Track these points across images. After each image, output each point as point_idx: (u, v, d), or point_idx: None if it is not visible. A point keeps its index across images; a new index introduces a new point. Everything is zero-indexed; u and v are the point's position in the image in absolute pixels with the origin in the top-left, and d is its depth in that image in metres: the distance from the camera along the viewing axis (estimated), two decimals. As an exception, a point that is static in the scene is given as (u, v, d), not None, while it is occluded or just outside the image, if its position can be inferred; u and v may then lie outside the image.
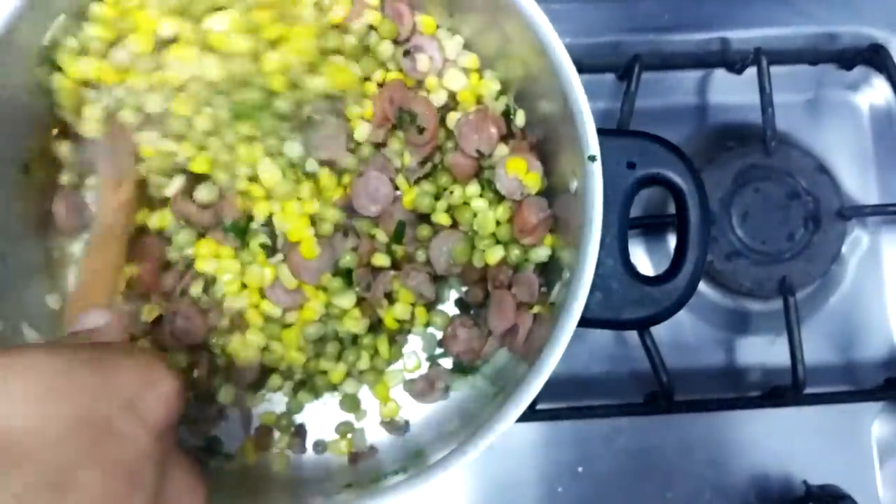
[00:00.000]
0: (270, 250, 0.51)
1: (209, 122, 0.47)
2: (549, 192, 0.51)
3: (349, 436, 0.54)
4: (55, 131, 0.51)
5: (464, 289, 0.55)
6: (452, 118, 0.52)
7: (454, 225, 0.52)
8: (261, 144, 0.49)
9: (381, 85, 0.53)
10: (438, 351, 0.55)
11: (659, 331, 0.56)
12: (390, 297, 0.52)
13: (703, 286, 0.64)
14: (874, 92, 0.67)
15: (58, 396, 0.30)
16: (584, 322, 0.43)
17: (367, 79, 0.53)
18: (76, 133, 0.50)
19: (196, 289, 0.51)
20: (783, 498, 0.61)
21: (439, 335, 0.54)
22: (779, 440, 0.62)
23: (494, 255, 0.51)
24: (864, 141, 0.66)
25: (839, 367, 0.64)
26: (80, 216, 0.53)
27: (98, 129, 0.48)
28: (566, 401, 0.60)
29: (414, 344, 0.56)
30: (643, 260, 0.64)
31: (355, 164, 0.52)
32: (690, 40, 0.66)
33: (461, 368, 0.54)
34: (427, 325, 0.54)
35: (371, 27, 0.53)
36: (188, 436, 0.53)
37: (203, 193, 0.50)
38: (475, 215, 0.51)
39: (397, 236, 0.52)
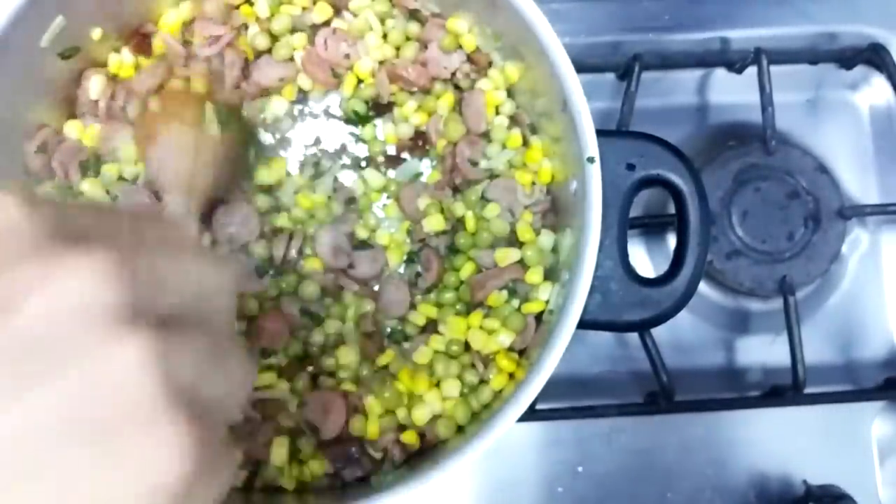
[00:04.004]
0: None
1: None
2: (549, 193, 0.52)
3: None
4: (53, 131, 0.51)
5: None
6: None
7: None
8: None
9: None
10: None
11: (659, 331, 0.55)
12: None
13: (703, 286, 0.64)
14: (874, 92, 0.67)
15: None
16: (584, 324, 0.43)
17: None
18: None
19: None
20: (783, 498, 0.61)
21: None
22: (779, 440, 0.62)
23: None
24: (864, 141, 0.66)
25: (839, 366, 0.64)
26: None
27: None
28: (566, 401, 0.60)
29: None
30: (643, 260, 0.64)
31: None
32: (690, 40, 0.65)
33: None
34: None
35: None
36: None
37: None
38: None
39: None
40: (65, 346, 0.23)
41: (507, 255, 0.50)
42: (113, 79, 0.52)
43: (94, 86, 0.51)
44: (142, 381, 0.24)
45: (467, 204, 0.52)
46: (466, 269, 0.51)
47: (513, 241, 0.52)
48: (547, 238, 0.51)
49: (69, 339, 0.23)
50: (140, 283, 0.25)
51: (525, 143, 0.53)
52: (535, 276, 0.50)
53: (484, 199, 0.52)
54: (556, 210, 0.52)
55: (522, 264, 0.51)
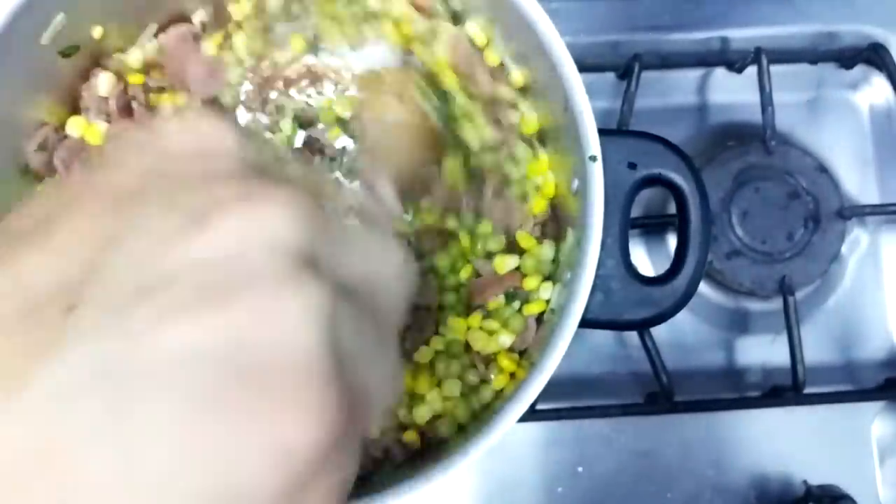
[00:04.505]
0: None
1: None
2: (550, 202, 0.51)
3: None
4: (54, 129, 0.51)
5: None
6: None
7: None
8: None
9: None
10: None
11: (659, 331, 0.55)
12: None
13: (703, 286, 0.64)
14: (874, 91, 0.67)
15: None
16: (585, 323, 0.43)
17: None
18: None
19: None
20: (783, 498, 0.61)
21: None
22: (779, 440, 0.62)
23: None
24: (864, 141, 0.66)
25: (839, 366, 0.64)
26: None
27: None
28: (566, 401, 0.60)
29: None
30: (643, 260, 0.64)
31: None
32: (690, 39, 0.65)
33: None
34: None
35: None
36: None
37: None
38: None
39: None
40: (245, 276, 0.22)
41: (506, 263, 0.50)
42: (120, 76, 0.51)
43: (104, 83, 0.51)
44: (309, 332, 0.22)
45: (461, 222, 0.51)
46: (465, 272, 0.51)
47: (511, 246, 0.51)
48: (548, 249, 0.50)
49: (251, 269, 0.22)
50: (330, 240, 0.25)
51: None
52: (533, 282, 0.50)
53: (477, 216, 0.51)
54: (557, 218, 0.52)
55: (521, 271, 0.50)
